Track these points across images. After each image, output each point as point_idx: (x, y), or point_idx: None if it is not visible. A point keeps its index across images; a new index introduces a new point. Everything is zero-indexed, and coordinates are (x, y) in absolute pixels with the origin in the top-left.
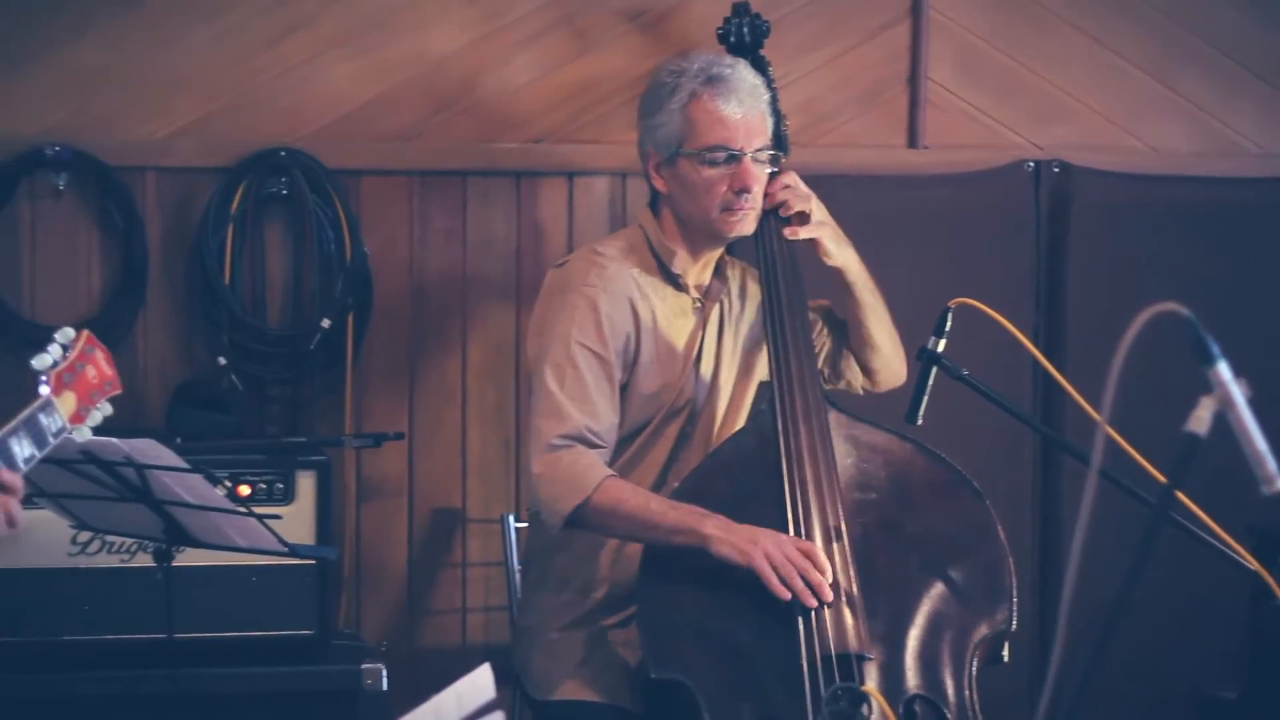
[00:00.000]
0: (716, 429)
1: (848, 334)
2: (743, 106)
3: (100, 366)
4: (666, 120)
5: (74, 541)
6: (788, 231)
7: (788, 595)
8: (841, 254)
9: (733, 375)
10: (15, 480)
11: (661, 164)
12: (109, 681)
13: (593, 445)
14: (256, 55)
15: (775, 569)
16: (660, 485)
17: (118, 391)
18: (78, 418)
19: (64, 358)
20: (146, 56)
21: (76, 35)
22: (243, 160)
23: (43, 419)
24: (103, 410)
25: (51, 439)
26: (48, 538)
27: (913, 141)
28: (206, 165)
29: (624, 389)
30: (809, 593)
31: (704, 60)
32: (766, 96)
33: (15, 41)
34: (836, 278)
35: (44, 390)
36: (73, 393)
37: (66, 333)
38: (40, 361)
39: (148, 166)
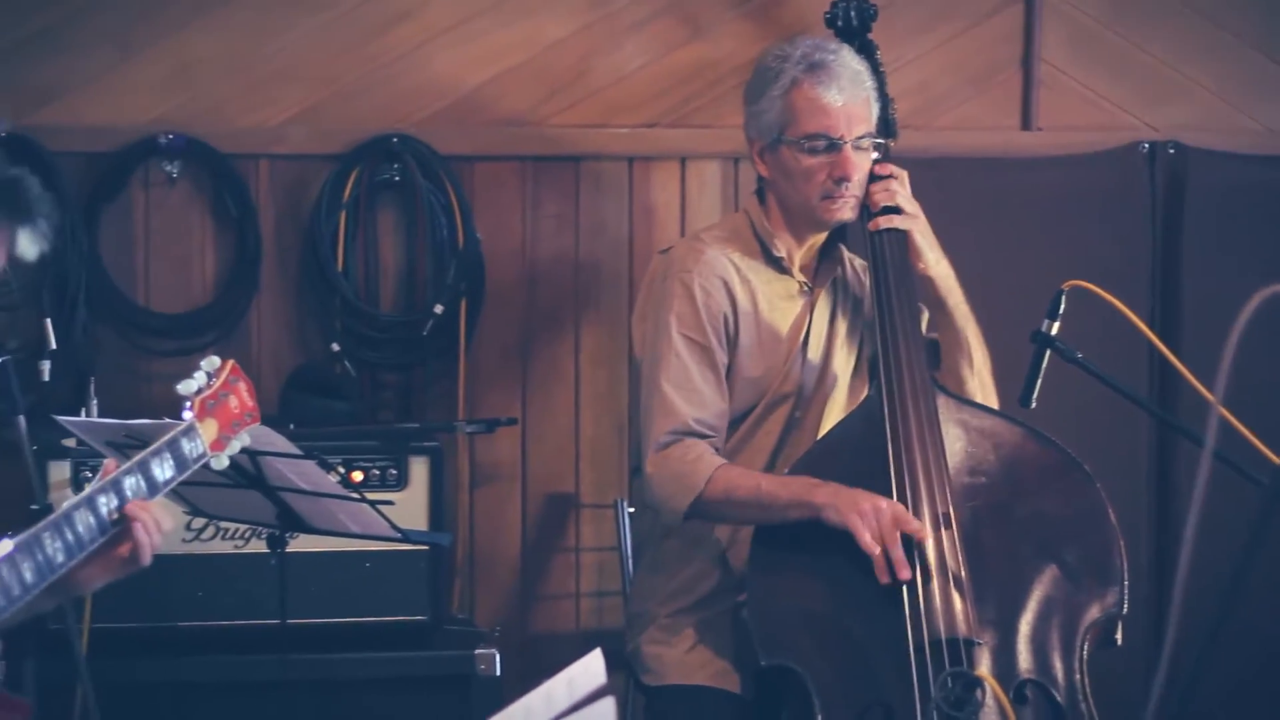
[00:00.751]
0: (830, 416)
1: (938, 359)
2: (844, 94)
3: (242, 397)
4: (769, 107)
5: (189, 528)
6: (872, 225)
7: (877, 550)
8: (937, 264)
9: (849, 363)
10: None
11: (764, 150)
12: (223, 667)
13: (702, 435)
14: (369, 41)
15: (875, 536)
16: (770, 470)
17: (257, 423)
18: (218, 445)
19: (209, 385)
20: (259, 44)
21: (189, 24)
22: (355, 147)
23: (185, 443)
24: (241, 440)
25: (191, 464)
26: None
27: (1026, 124)
28: (319, 152)
29: (728, 372)
30: (902, 560)
31: (807, 46)
32: (870, 83)
33: (129, 31)
34: (928, 290)
35: (188, 415)
36: (215, 420)
37: (212, 361)
38: (186, 387)
39: (260, 154)
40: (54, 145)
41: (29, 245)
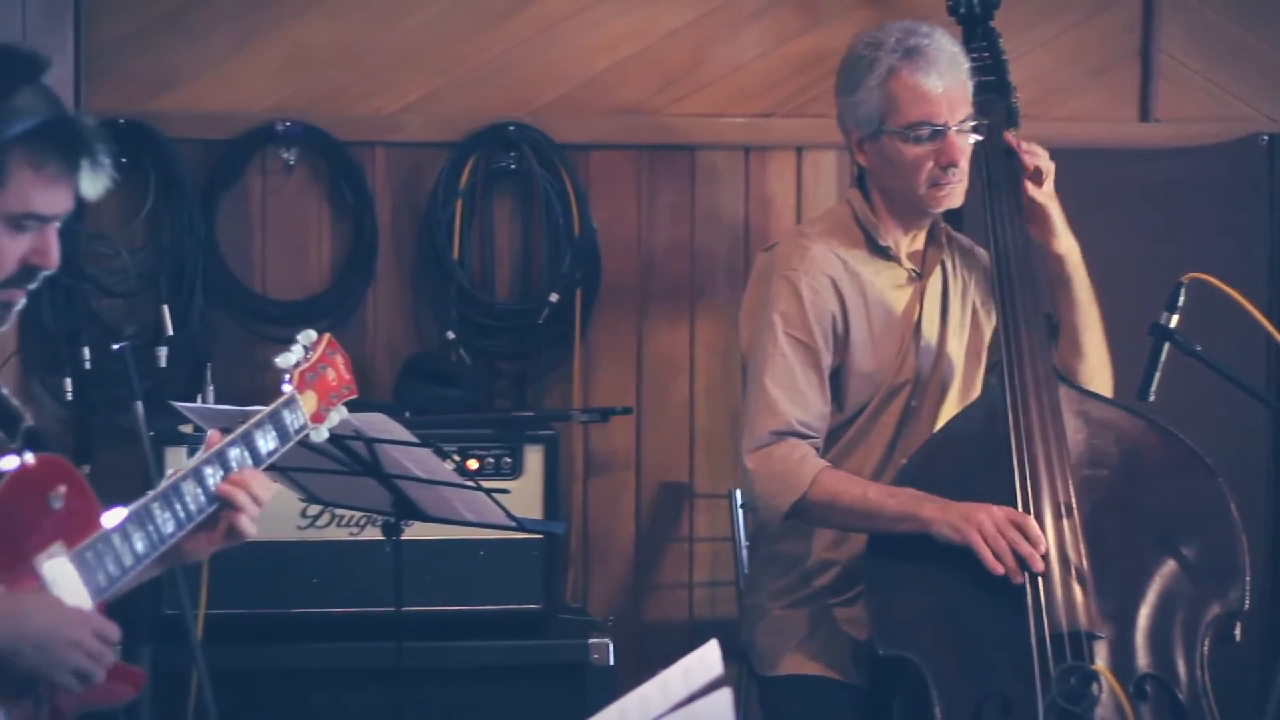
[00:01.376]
0: (947, 402)
1: (1056, 339)
2: (943, 79)
3: (339, 370)
4: (866, 97)
5: (303, 515)
6: (1030, 189)
7: (1001, 569)
8: (1067, 239)
9: (962, 347)
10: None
11: (864, 140)
12: (337, 654)
13: (804, 437)
14: (486, 30)
15: (989, 543)
16: (887, 462)
17: (354, 396)
18: (318, 417)
19: (306, 358)
20: (376, 32)
21: (307, 11)
22: (472, 135)
23: (286, 415)
24: (339, 413)
25: (293, 435)
26: (278, 511)
27: (1144, 115)
28: (435, 140)
29: (839, 371)
30: (1017, 570)
31: (899, 31)
32: (966, 65)
33: (247, 18)
34: (1056, 268)
35: (287, 388)
36: (314, 393)
37: (309, 334)
38: (284, 360)
39: (377, 141)
40: (171, 132)
41: (91, 185)
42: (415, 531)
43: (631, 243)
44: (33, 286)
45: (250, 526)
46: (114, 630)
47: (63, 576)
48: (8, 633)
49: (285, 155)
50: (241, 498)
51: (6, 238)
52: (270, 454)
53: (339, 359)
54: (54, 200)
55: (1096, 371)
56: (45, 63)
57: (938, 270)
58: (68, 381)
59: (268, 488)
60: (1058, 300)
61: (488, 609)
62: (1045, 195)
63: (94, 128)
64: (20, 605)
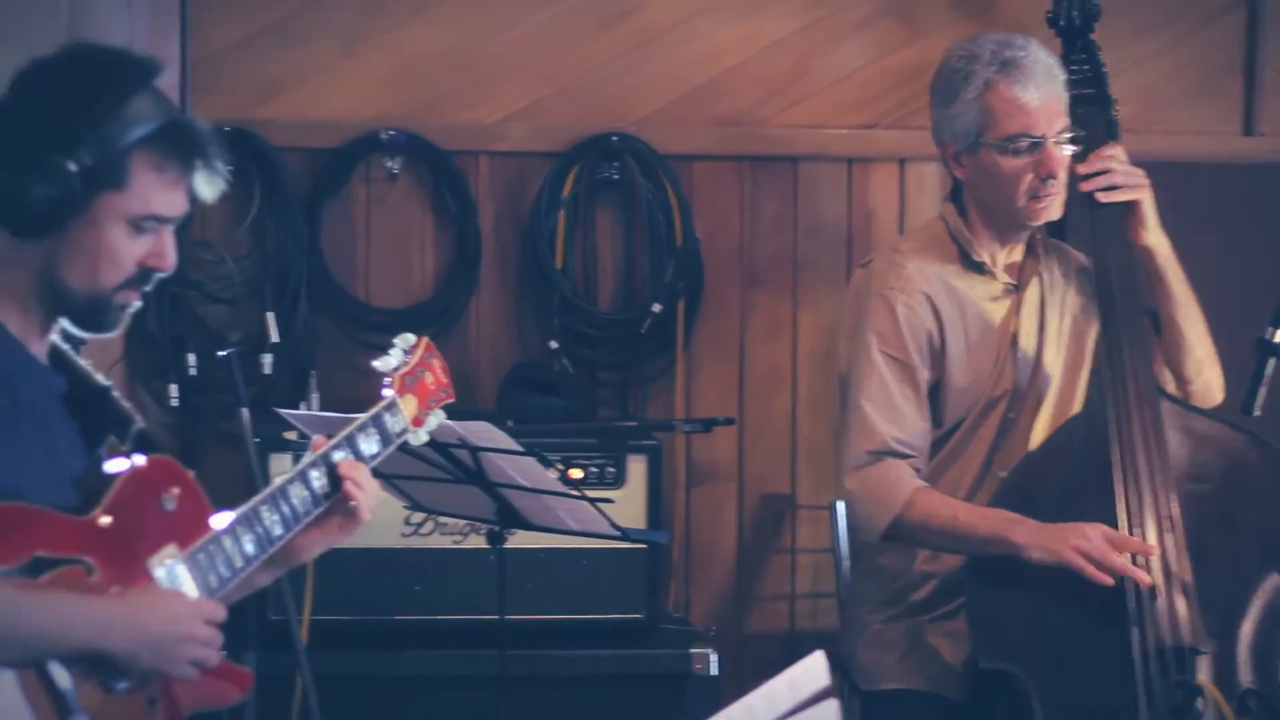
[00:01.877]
0: (1046, 413)
1: (1161, 338)
2: (1040, 91)
3: (437, 374)
4: (963, 110)
5: (407, 522)
6: (1102, 196)
7: (1110, 580)
8: (1156, 233)
9: (1060, 358)
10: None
11: (961, 153)
12: (440, 661)
13: (902, 456)
14: (589, 40)
15: (1089, 559)
16: (984, 475)
17: (451, 400)
18: (418, 421)
19: (405, 362)
20: (481, 41)
21: (411, 20)
22: (575, 145)
23: (388, 418)
24: (438, 417)
25: (395, 438)
26: (382, 518)
27: (1248, 129)
28: (539, 150)
29: (937, 387)
30: (1139, 572)
31: (994, 43)
32: (1062, 76)
33: (353, 27)
34: (1147, 261)
35: (388, 392)
36: (414, 396)
37: (407, 338)
38: (384, 363)
39: (480, 151)
40: (277, 140)
41: (206, 186)
42: (519, 540)
43: (734, 253)
44: (148, 289)
45: (365, 512)
46: (221, 611)
47: (176, 577)
48: (127, 636)
49: (389, 164)
50: (350, 486)
51: (126, 240)
52: (373, 457)
53: (436, 363)
54: (173, 202)
55: (1204, 365)
56: (158, 66)
57: (1035, 282)
58: (173, 388)
59: (373, 482)
60: (1155, 296)
61: (590, 618)
62: (1133, 194)
63: (208, 130)
64: (136, 608)
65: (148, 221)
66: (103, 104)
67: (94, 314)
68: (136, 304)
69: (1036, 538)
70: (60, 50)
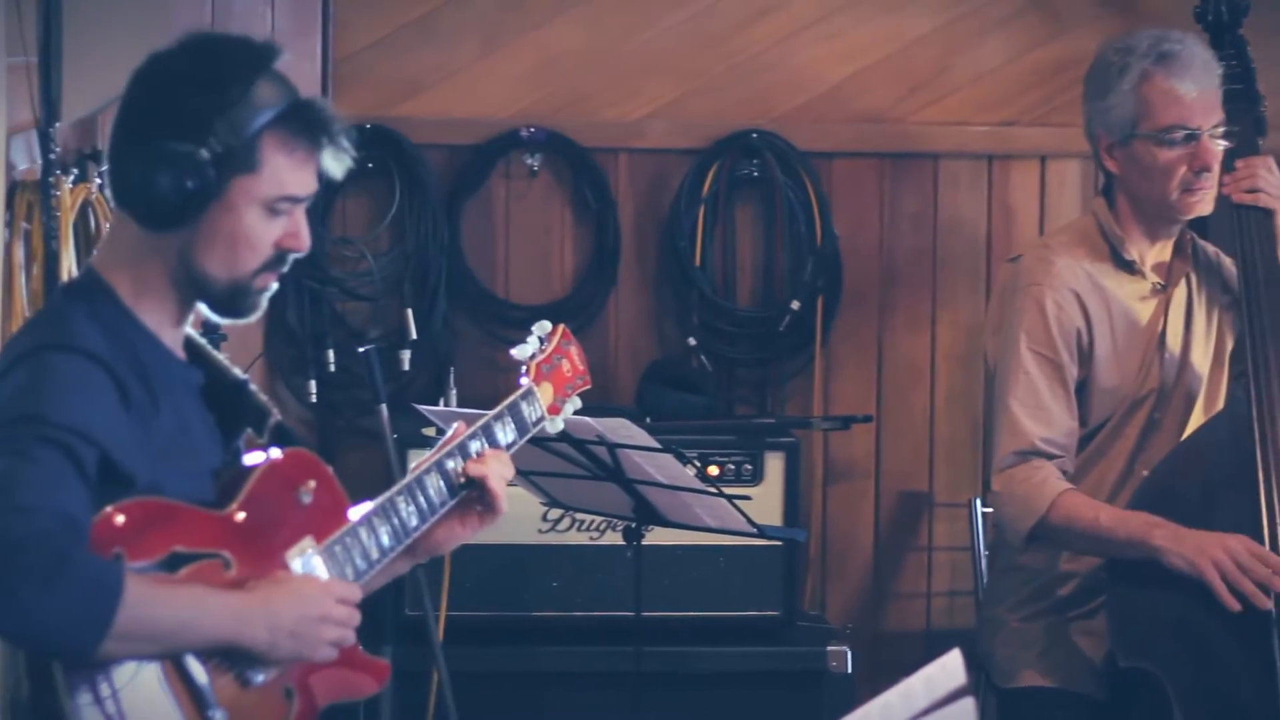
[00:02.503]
0: (1191, 413)
1: None
2: (1197, 84)
3: (574, 361)
4: (1119, 102)
5: (544, 519)
6: (1240, 197)
7: (1237, 606)
8: None
9: (1207, 358)
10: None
11: (1114, 146)
12: (576, 658)
13: (1050, 456)
14: (729, 37)
15: (1224, 575)
16: (1128, 475)
17: (588, 387)
18: (554, 409)
19: (541, 350)
20: (621, 39)
21: (552, 19)
22: (715, 142)
23: (524, 407)
24: (574, 404)
25: (531, 427)
26: (519, 515)
27: None
28: (679, 147)
29: (1083, 385)
30: (1260, 595)
31: (1152, 37)
32: (1219, 71)
33: (494, 25)
34: None
35: (525, 380)
36: (550, 384)
37: (544, 325)
38: (520, 352)
39: (620, 148)
40: (417, 138)
41: (334, 163)
42: (655, 537)
43: (873, 251)
44: (285, 270)
45: (502, 502)
46: (356, 590)
47: (312, 570)
48: (262, 625)
49: (529, 161)
50: (486, 472)
51: (262, 223)
52: (509, 446)
53: (573, 350)
54: (304, 181)
55: None
56: (277, 50)
57: (1183, 282)
58: (312, 384)
59: (509, 466)
60: None
61: (726, 615)
62: (1273, 201)
63: (331, 108)
64: (268, 597)
65: (281, 203)
66: (230, 90)
67: (234, 300)
68: (274, 286)
69: (1176, 544)
70: (178, 41)
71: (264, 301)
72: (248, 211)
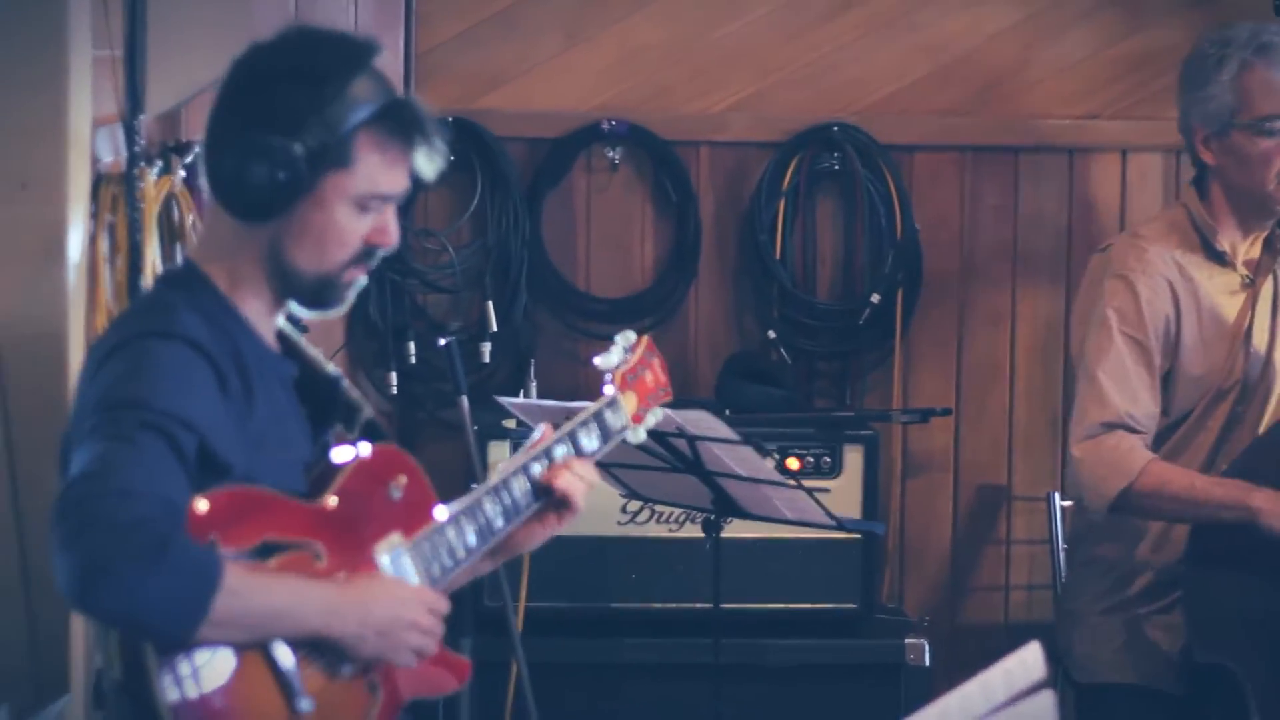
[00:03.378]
0: (1273, 409)
1: None
2: None
3: (656, 372)
4: (1217, 92)
5: (624, 510)
6: None
7: None
8: None
9: None
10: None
11: (1210, 137)
12: (654, 649)
13: (1134, 431)
14: (811, 30)
15: None
16: (1209, 468)
17: (669, 399)
18: (637, 418)
19: (625, 360)
20: (702, 32)
21: (633, 11)
22: (796, 135)
23: (609, 415)
24: (656, 415)
25: (615, 435)
26: (598, 506)
27: None
28: (759, 140)
29: (1169, 374)
30: None
31: (1250, 29)
32: None
33: (576, 18)
34: None
35: (610, 389)
36: (634, 394)
37: (628, 336)
38: (605, 361)
39: (701, 141)
40: (499, 130)
41: (427, 164)
42: (734, 529)
43: (953, 244)
44: (372, 265)
45: (580, 502)
46: (445, 603)
47: (401, 566)
48: (354, 620)
49: (610, 154)
50: (569, 478)
51: (353, 219)
52: (593, 453)
53: (656, 361)
54: (396, 180)
55: None
56: (377, 47)
57: (1270, 278)
58: (393, 375)
59: (593, 474)
60: None
61: (805, 607)
62: None
63: (427, 109)
64: (363, 594)
65: (372, 200)
66: (328, 86)
67: (321, 294)
68: (362, 281)
69: (1275, 504)
70: (279, 34)
71: (351, 295)
72: (338, 207)
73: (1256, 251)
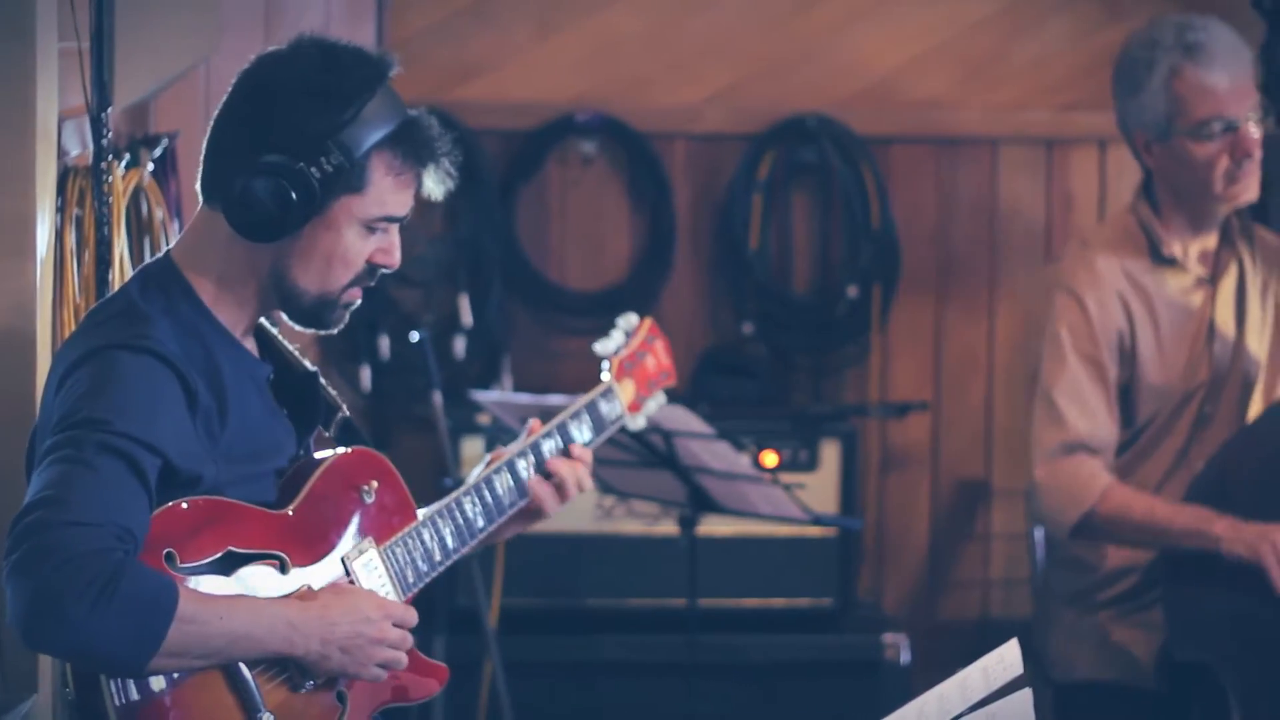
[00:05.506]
0: (1250, 400)
1: None
2: (1229, 71)
3: (659, 356)
4: (1151, 100)
5: (599, 506)
6: None
7: None
8: None
9: (1264, 344)
10: (586, 455)
11: (1151, 143)
12: (630, 647)
13: (1093, 451)
14: (787, 21)
15: None
16: (1174, 471)
17: (672, 383)
18: (634, 406)
19: (625, 345)
20: (678, 23)
21: (608, 2)
22: (772, 127)
23: (603, 405)
24: (657, 400)
25: (609, 426)
26: (574, 502)
27: None
28: (735, 132)
29: (1129, 386)
30: None
31: (1175, 27)
32: (1249, 54)
33: (550, 9)
34: None
35: (605, 377)
36: (632, 381)
37: (630, 319)
38: (604, 347)
39: (676, 133)
40: (473, 122)
41: (435, 185)
42: (709, 525)
43: (930, 237)
44: (372, 284)
45: (556, 506)
46: (413, 617)
47: (372, 572)
48: (316, 638)
49: (585, 146)
50: (568, 477)
51: (359, 240)
52: (585, 445)
53: (659, 344)
54: (404, 201)
55: None
56: (392, 63)
57: (1233, 268)
58: (365, 370)
59: (587, 476)
60: None
61: (781, 604)
62: None
63: (439, 128)
64: (325, 610)
65: (381, 222)
66: (347, 109)
67: (318, 313)
68: (358, 301)
69: (1235, 532)
70: (292, 46)
71: (347, 316)
72: (348, 230)
73: (1212, 244)
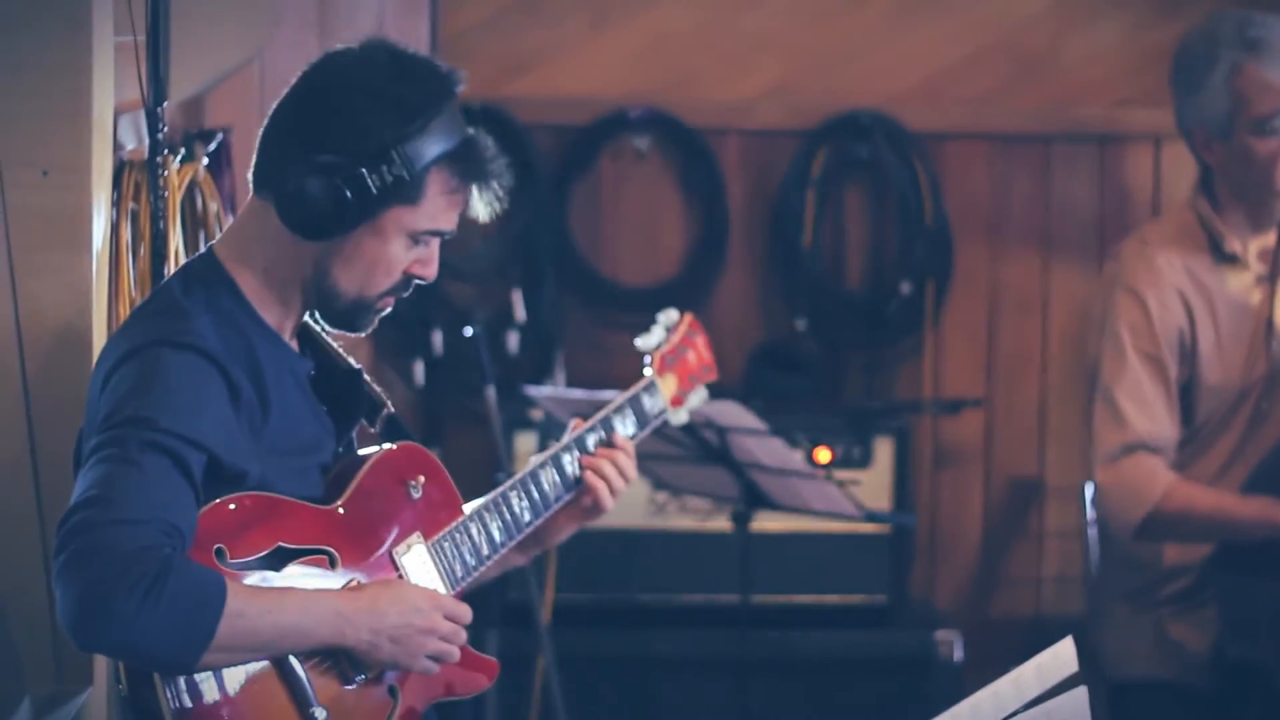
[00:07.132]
0: None
1: None
2: None
3: (700, 351)
4: (1212, 97)
5: (652, 502)
6: None
7: None
8: None
9: None
10: (628, 445)
11: (1212, 139)
12: (682, 642)
13: (1153, 451)
14: (840, 17)
15: None
16: (1229, 467)
17: (714, 378)
18: (677, 401)
19: (667, 340)
20: (731, 18)
21: None
22: (825, 123)
23: (645, 400)
24: (699, 395)
25: (652, 420)
26: (627, 497)
27: None
28: (788, 128)
29: (1189, 384)
30: None
31: (1235, 22)
32: None
33: (601, 3)
34: None
35: (648, 371)
36: (674, 375)
37: (670, 315)
38: (645, 342)
39: (729, 129)
40: (525, 118)
41: (483, 206)
42: (762, 521)
43: (984, 233)
44: (406, 294)
45: (609, 499)
46: (466, 612)
47: (420, 567)
48: (366, 628)
49: (638, 142)
50: (607, 469)
51: (404, 250)
52: (629, 439)
53: (700, 340)
54: (453, 219)
55: None
56: (459, 79)
57: None
58: (419, 366)
59: (630, 468)
60: None
61: (833, 600)
62: None
63: (495, 149)
64: (375, 600)
65: (427, 235)
66: (415, 121)
67: (352, 316)
68: (389, 309)
69: None
70: (362, 48)
71: (377, 321)
72: (395, 239)
73: (1272, 241)
